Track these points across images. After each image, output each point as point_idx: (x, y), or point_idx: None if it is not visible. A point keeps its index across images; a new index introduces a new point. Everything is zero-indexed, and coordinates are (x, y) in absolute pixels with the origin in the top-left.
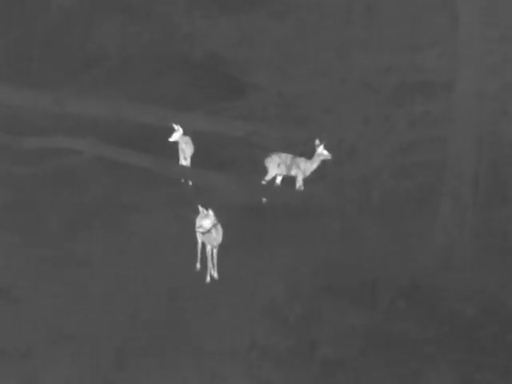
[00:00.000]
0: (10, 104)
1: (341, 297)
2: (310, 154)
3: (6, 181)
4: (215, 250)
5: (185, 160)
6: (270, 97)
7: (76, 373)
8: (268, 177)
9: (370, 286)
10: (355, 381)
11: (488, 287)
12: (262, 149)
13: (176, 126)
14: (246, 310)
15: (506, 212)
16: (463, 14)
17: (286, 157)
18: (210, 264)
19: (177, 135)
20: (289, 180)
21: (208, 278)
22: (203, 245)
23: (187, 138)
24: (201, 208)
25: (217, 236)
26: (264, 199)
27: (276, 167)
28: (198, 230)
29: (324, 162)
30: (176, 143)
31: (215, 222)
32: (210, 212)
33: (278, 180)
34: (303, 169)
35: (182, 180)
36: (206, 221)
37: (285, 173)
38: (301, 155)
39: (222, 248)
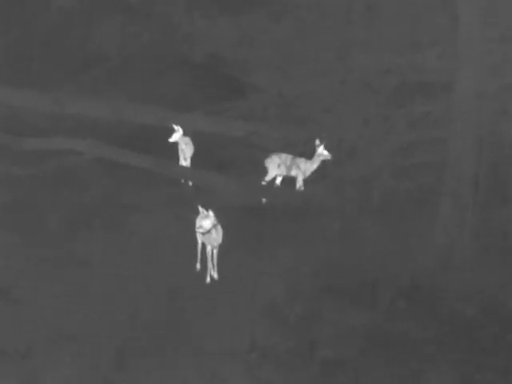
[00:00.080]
0: (10, 104)
1: (341, 297)
2: (310, 154)
3: (5, 181)
4: (215, 251)
5: (185, 160)
6: (270, 97)
7: (76, 373)
8: (268, 177)
9: (369, 286)
10: (355, 381)
11: (488, 287)
12: (262, 149)
13: (176, 127)
14: (246, 310)
15: (506, 212)
16: (463, 14)
17: (286, 157)
18: (210, 264)
19: (177, 136)
20: (289, 180)
21: (208, 279)
22: (203, 245)
23: (187, 139)
24: (201, 208)
25: (217, 236)
26: (264, 200)
27: (276, 168)
28: (198, 231)
29: (324, 163)
30: (176, 144)
31: (215, 222)
32: (210, 212)
33: (278, 180)
34: (303, 169)
35: (182, 180)
36: (206, 221)
37: (285, 173)
38: (301, 155)
39: (222, 248)
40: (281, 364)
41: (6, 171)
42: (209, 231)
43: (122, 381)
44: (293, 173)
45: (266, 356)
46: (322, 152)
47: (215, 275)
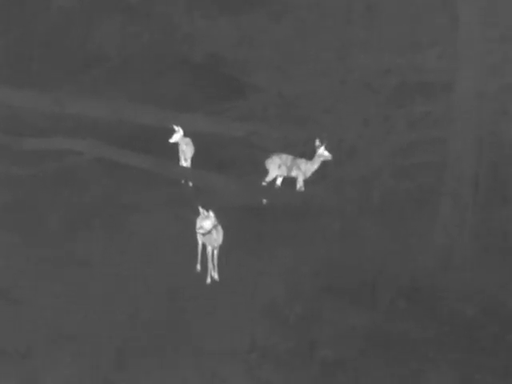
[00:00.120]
0: (10, 104)
1: (341, 297)
2: (310, 154)
3: (5, 181)
4: (216, 251)
5: (185, 161)
6: (270, 97)
7: (76, 373)
8: (268, 178)
9: (369, 286)
10: (355, 381)
11: (488, 287)
12: (262, 149)
13: (176, 128)
14: (246, 310)
15: (506, 212)
16: (463, 14)
17: (287, 158)
18: (210, 265)
19: (177, 136)
20: (289, 181)
21: (208, 279)
22: (204, 246)
23: (188, 140)
24: (201, 209)
25: (217, 237)
26: (264, 200)
27: (277, 168)
28: (199, 231)
29: (324, 163)
30: (176, 144)
31: (216, 223)
32: (211, 213)
33: (279, 181)
34: (304, 170)
35: (183, 181)
36: (206, 222)
37: (285, 174)
38: (301, 156)
39: (223, 249)
40: (281, 364)
41: (6, 171)
42: (209, 232)
43: (122, 381)
44: (293, 173)
45: (265, 356)
46: (322, 153)
47: (216, 276)
